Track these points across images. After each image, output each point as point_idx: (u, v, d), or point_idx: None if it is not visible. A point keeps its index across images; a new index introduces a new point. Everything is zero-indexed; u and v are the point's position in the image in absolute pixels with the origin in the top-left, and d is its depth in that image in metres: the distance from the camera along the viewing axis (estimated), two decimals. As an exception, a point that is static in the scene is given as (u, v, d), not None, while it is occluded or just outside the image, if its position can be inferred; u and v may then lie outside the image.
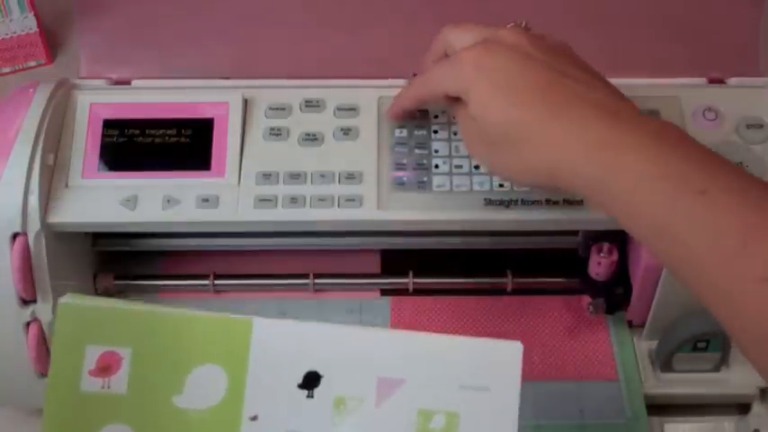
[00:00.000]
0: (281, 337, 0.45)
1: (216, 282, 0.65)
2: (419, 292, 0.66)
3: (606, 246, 0.61)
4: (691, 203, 0.39)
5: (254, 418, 0.45)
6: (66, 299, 0.46)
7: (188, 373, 0.45)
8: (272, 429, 0.45)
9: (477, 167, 0.58)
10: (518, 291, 0.66)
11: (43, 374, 0.60)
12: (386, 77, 0.62)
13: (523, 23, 0.52)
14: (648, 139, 0.42)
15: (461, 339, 0.45)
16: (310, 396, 0.45)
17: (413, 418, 0.44)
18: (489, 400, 0.44)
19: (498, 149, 0.47)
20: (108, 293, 0.66)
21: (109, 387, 0.45)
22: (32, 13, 0.85)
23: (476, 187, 0.58)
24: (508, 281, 0.65)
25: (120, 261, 0.67)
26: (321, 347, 0.45)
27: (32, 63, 0.88)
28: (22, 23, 0.85)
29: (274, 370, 0.45)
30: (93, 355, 0.45)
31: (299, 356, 0.45)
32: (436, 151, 0.59)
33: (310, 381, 0.45)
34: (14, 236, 0.56)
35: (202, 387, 0.45)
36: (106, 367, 0.45)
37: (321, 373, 0.45)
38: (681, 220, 0.39)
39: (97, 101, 0.60)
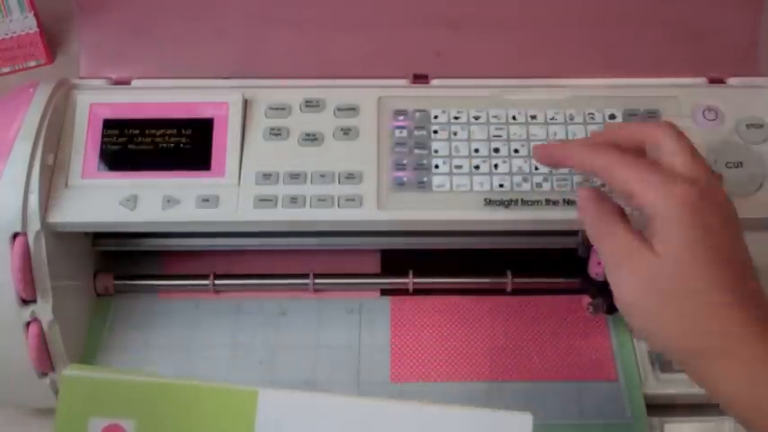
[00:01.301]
0: (287, 408, 0.45)
1: (216, 282, 0.65)
2: (419, 292, 0.66)
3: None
4: None
5: None
6: (70, 371, 0.45)
7: None
8: None
9: (477, 167, 0.58)
10: (518, 291, 0.66)
11: (43, 374, 0.60)
12: (386, 77, 0.62)
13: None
14: None
15: (470, 411, 0.44)
16: None
17: None
18: None
19: (669, 303, 0.43)
20: (108, 293, 0.66)
21: None
22: (32, 13, 0.85)
23: (476, 187, 0.58)
24: (508, 281, 0.65)
25: (120, 261, 0.67)
26: (327, 419, 0.45)
27: (32, 63, 0.88)
28: (22, 23, 0.85)
29: None
30: (96, 427, 0.44)
31: (305, 428, 0.44)
32: (436, 151, 0.59)
33: None
34: (14, 236, 0.56)
35: None
36: None
37: None
38: None
39: (97, 101, 0.60)
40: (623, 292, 0.45)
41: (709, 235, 0.43)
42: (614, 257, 0.45)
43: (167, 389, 0.45)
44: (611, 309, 0.63)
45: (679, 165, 0.45)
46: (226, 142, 0.59)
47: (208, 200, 0.57)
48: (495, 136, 0.60)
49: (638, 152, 0.47)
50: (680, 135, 0.46)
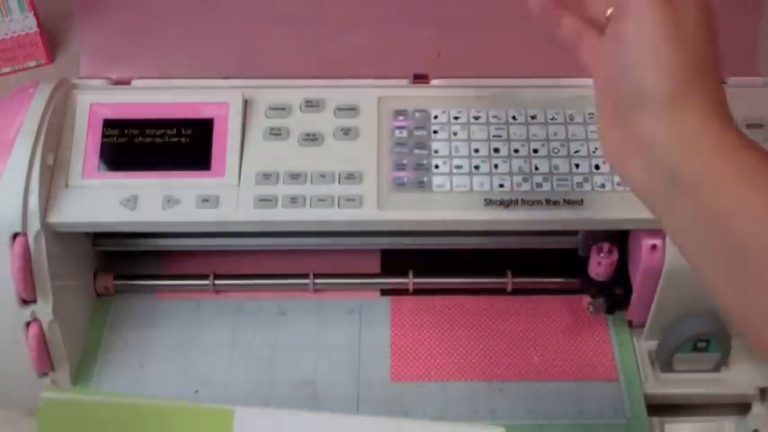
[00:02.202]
0: (262, 427, 0.45)
1: (216, 282, 0.65)
2: (419, 292, 0.66)
3: (606, 246, 0.61)
4: None
5: None
6: (47, 393, 0.46)
7: None
8: None
9: (477, 167, 0.58)
10: (518, 291, 0.66)
11: (43, 374, 0.60)
12: (386, 77, 0.62)
13: None
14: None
15: (446, 426, 0.45)
16: None
17: None
18: None
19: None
20: (108, 293, 0.66)
21: None
22: (32, 13, 0.85)
23: (476, 187, 0.58)
24: (508, 281, 0.65)
25: (120, 261, 0.67)
26: None
27: (32, 63, 0.88)
28: (22, 23, 0.85)
29: None
30: None
31: None
32: (436, 151, 0.59)
33: None
34: (14, 236, 0.56)
35: None
36: None
37: None
38: None
39: (97, 101, 0.60)
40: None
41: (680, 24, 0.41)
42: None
43: (144, 410, 0.45)
44: (611, 309, 0.63)
45: None
46: (226, 142, 0.59)
47: (208, 200, 0.57)
48: (495, 136, 0.60)
49: None
50: None
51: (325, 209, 0.57)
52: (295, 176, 0.58)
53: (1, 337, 0.58)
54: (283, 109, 0.60)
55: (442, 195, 0.58)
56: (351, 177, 0.58)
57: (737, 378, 0.62)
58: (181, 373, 0.62)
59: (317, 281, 0.65)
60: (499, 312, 0.65)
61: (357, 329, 0.64)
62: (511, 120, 0.60)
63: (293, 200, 0.57)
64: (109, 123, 0.60)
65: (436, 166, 0.59)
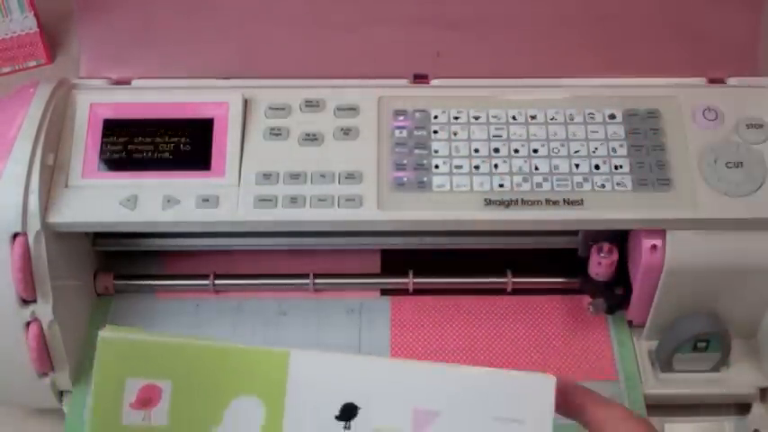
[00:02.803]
0: (319, 368, 0.45)
1: (216, 282, 0.65)
2: (419, 292, 0.66)
3: (606, 246, 0.61)
4: None
5: None
6: (106, 332, 0.46)
7: (227, 405, 0.45)
8: None
9: (477, 167, 0.58)
10: (518, 291, 0.66)
11: (43, 374, 0.60)
12: (386, 77, 0.62)
13: None
14: None
15: (496, 372, 0.45)
16: (347, 428, 0.45)
17: None
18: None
19: None
20: (108, 293, 0.66)
21: (150, 420, 0.45)
22: (32, 13, 0.85)
23: (476, 187, 0.58)
24: (508, 281, 0.65)
25: (120, 261, 0.67)
26: (358, 379, 0.45)
27: (32, 63, 0.88)
28: (22, 23, 0.85)
29: (312, 401, 0.45)
30: (133, 388, 0.45)
31: (336, 388, 0.45)
32: (436, 151, 0.59)
33: (347, 412, 0.45)
34: (14, 236, 0.56)
35: (241, 418, 0.45)
36: (147, 400, 0.45)
37: (358, 404, 0.45)
38: None
39: (97, 101, 0.60)
40: None
41: None
42: None
43: (201, 350, 0.46)
44: (612, 309, 0.63)
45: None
46: (226, 142, 0.59)
47: (208, 200, 0.57)
48: (495, 136, 0.60)
49: None
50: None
51: (325, 209, 0.57)
52: (295, 176, 0.58)
53: (1, 337, 0.58)
54: (283, 109, 0.60)
55: (441, 195, 0.58)
56: (351, 177, 0.58)
57: (737, 378, 0.62)
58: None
59: (317, 281, 0.65)
60: (499, 312, 0.65)
61: (357, 329, 0.64)
62: (511, 120, 0.60)
63: (293, 200, 0.57)
64: (109, 123, 0.60)
65: (436, 166, 0.59)
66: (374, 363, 0.46)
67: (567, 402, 0.46)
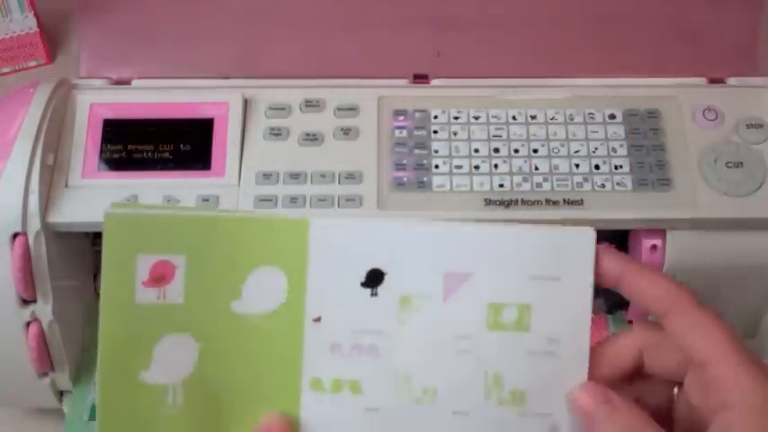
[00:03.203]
0: (341, 236, 0.43)
1: (216, 282, 0.65)
2: (419, 292, 0.66)
3: (606, 246, 0.61)
4: None
5: (317, 320, 0.43)
6: (113, 209, 0.43)
7: (246, 277, 0.43)
8: (336, 330, 0.43)
9: (477, 167, 0.58)
10: (518, 291, 0.65)
11: (43, 374, 0.60)
12: (386, 77, 0.62)
13: None
14: None
15: (531, 228, 0.43)
16: (374, 294, 0.42)
17: (483, 312, 0.42)
18: (561, 289, 0.43)
19: None
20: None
21: (165, 297, 0.42)
22: (32, 13, 0.85)
23: (476, 187, 0.58)
24: (508, 281, 0.65)
25: (120, 261, 0.67)
26: (383, 244, 0.43)
27: (32, 63, 0.88)
28: (22, 23, 0.85)
29: (335, 269, 0.43)
30: (145, 264, 0.42)
31: (360, 254, 0.43)
32: (436, 151, 0.59)
33: (374, 279, 0.42)
34: (14, 236, 0.56)
35: (262, 290, 0.43)
36: (160, 277, 0.42)
37: (384, 270, 0.42)
38: None
39: (97, 101, 0.60)
40: None
41: None
42: None
43: (215, 222, 0.43)
44: (612, 309, 0.63)
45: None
46: (226, 142, 0.59)
47: (208, 200, 0.57)
48: (495, 136, 0.60)
49: None
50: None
51: (325, 209, 0.57)
52: (295, 176, 0.58)
53: (1, 337, 0.58)
54: (283, 109, 0.60)
55: (441, 195, 0.58)
56: (351, 177, 0.58)
57: (737, 378, 0.62)
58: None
59: (317, 281, 0.65)
60: (499, 312, 0.65)
61: (357, 329, 0.64)
62: (511, 120, 0.60)
63: (293, 200, 0.57)
64: (109, 123, 0.60)
65: (436, 166, 0.59)
66: (401, 227, 0.43)
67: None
